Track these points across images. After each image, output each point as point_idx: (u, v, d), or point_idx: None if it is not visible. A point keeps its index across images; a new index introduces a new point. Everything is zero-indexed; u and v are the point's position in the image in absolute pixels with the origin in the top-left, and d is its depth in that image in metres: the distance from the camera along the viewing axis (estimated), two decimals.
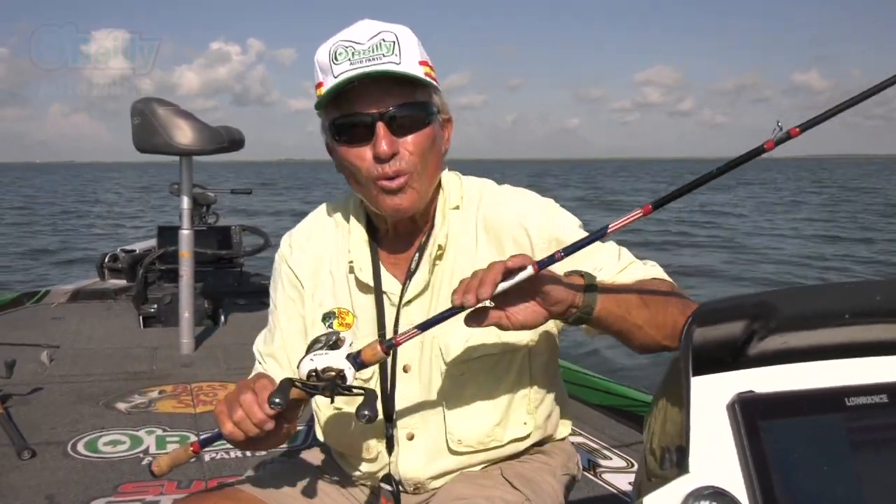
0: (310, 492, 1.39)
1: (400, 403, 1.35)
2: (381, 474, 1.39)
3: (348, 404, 1.35)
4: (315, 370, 1.09)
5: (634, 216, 1.03)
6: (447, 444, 1.34)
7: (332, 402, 1.12)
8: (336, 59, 1.24)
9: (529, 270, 1.04)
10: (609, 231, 1.05)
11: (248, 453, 2.67)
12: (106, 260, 5.94)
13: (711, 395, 0.81)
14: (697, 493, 0.77)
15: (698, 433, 0.79)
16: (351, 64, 1.23)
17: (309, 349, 1.14)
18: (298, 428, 2.74)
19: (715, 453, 0.79)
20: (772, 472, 0.78)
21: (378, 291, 1.35)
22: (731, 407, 0.81)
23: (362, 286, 1.37)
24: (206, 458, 2.64)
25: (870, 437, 0.82)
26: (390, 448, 1.36)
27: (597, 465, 2.58)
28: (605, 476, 2.50)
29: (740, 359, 0.85)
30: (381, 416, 1.35)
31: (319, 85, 1.27)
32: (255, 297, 5.29)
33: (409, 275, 1.35)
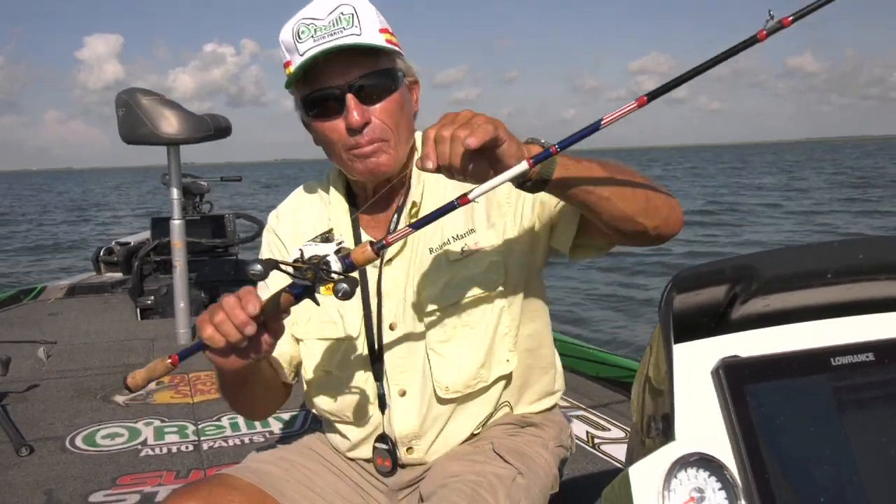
0: (303, 473, 1.40)
1: (389, 361, 1.38)
2: (374, 437, 1.41)
3: (338, 370, 1.39)
4: (302, 256, 1.08)
5: (629, 108, 1.00)
6: (435, 393, 1.37)
7: (313, 294, 1.09)
8: (299, 37, 1.28)
9: (524, 165, 1.02)
10: (603, 124, 1.01)
11: (246, 440, 2.68)
12: (101, 253, 5.93)
13: (695, 362, 0.80)
14: (684, 461, 0.76)
15: (683, 400, 0.78)
16: (314, 41, 1.27)
17: None
18: (293, 413, 2.76)
19: (701, 420, 0.78)
20: (759, 436, 0.77)
21: None
22: (716, 372, 0.80)
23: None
24: (205, 447, 2.64)
25: (856, 396, 0.82)
26: (382, 407, 1.39)
27: (595, 436, 2.59)
28: (604, 447, 2.50)
29: (723, 324, 0.84)
30: (371, 377, 1.38)
31: (287, 64, 1.32)
32: (251, 284, 5.27)
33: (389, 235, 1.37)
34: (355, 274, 1.14)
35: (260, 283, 1.47)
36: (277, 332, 1.16)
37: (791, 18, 0.98)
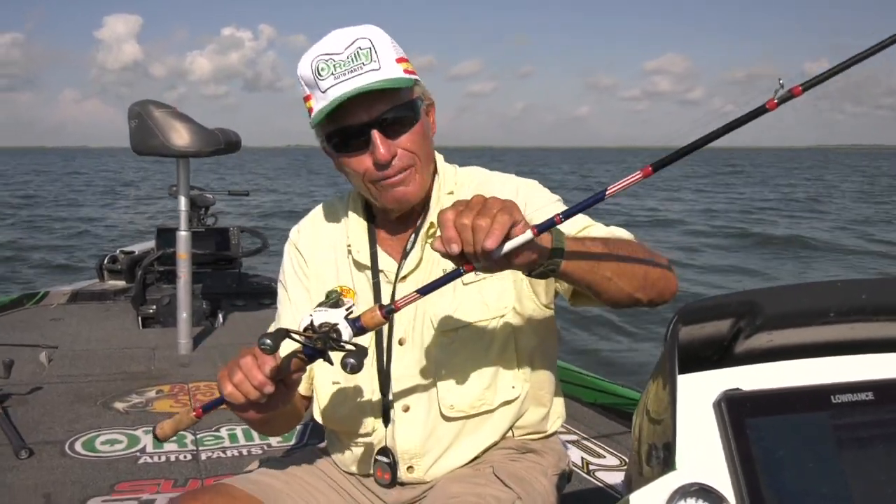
0: (302, 487, 1.42)
1: (396, 376, 1.40)
2: (376, 450, 1.42)
3: (346, 381, 1.41)
4: (311, 324, 1.11)
5: (633, 179, 1.00)
6: (440, 411, 1.38)
7: (326, 358, 1.12)
8: (319, 74, 1.30)
9: (528, 235, 1.04)
10: (607, 194, 1.02)
11: (245, 452, 2.68)
12: (105, 261, 5.95)
13: (698, 393, 0.82)
14: (684, 490, 0.77)
15: (685, 431, 0.79)
16: (335, 78, 1.29)
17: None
18: (295, 427, 2.77)
19: (702, 450, 0.79)
20: (758, 469, 0.78)
21: (374, 270, 1.43)
22: (718, 405, 0.81)
23: (360, 266, 1.45)
24: (203, 456, 2.65)
25: (855, 435, 0.83)
26: (386, 421, 1.41)
27: (590, 462, 2.59)
28: (598, 474, 2.50)
29: (726, 357, 0.86)
30: (377, 390, 1.41)
31: (308, 98, 1.35)
32: (253, 298, 5.31)
33: (405, 254, 1.42)
34: (364, 340, 1.18)
35: (283, 298, 1.52)
36: (294, 385, 1.22)
37: (801, 88, 0.98)
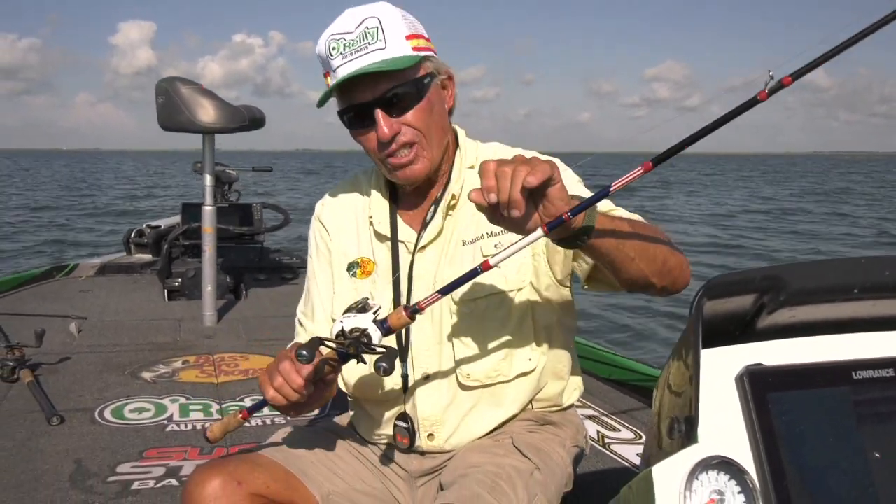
0: (326, 455, 1.45)
1: (415, 345, 1.44)
2: (396, 416, 1.46)
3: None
4: (342, 330, 1.18)
5: (635, 174, 1.04)
6: (457, 380, 1.42)
7: (360, 361, 1.19)
8: (331, 53, 1.35)
9: (539, 233, 1.07)
10: (612, 190, 1.05)
11: (269, 421, 2.73)
12: (132, 235, 6.05)
13: (721, 368, 0.83)
14: (705, 463, 0.78)
15: (707, 404, 0.80)
16: (343, 58, 1.34)
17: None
18: None
19: (723, 424, 0.80)
20: (779, 444, 0.79)
21: (394, 239, 1.47)
22: (740, 379, 0.82)
23: (380, 236, 1.49)
24: None
25: (876, 411, 0.84)
26: (406, 388, 1.45)
27: (605, 436, 2.62)
28: (614, 447, 2.53)
29: (749, 332, 0.87)
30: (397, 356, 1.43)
31: (326, 74, 1.40)
32: (275, 272, 5.38)
33: (425, 224, 1.45)
34: (386, 307, 1.25)
35: (309, 274, 1.57)
36: (332, 383, 1.29)
37: (791, 78, 1.01)
